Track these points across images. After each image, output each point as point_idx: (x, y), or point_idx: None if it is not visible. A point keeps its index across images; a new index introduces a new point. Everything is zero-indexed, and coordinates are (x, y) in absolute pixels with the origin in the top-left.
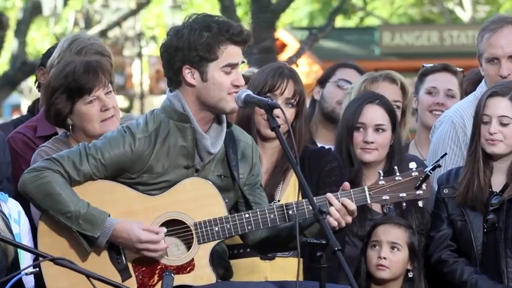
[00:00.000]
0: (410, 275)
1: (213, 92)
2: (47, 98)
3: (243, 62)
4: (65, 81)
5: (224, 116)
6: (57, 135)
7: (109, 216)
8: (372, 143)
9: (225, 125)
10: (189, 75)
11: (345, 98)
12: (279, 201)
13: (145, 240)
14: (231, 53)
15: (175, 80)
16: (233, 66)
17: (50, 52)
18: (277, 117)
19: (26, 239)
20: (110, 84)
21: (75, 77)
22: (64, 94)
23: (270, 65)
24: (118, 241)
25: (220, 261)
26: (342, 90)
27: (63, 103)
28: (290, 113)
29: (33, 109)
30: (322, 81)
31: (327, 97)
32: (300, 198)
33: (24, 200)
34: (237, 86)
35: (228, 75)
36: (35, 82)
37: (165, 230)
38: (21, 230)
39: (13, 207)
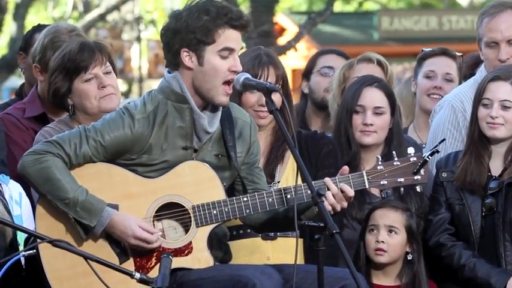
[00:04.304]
0: (409, 257)
1: (209, 77)
2: (48, 79)
3: (241, 48)
4: (62, 61)
5: None
6: (61, 118)
7: (107, 205)
8: (371, 125)
9: None
10: (187, 58)
11: (330, 85)
12: (278, 182)
13: (139, 238)
14: (229, 37)
15: (173, 62)
16: (230, 50)
17: (28, 37)
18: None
19: (27, 221)
20: (109, 65)
21: (71, 56)
22: (62, 74)
23: (246, 52)
24: (112, 231)
25: (220, 244)
26: (327, 77)
27: (61, 82)
28: (277, 97)
29: (20, 93)
30: (306, 74)
31: (314, 88)
32: (300, 181)
33: (23, 182)
34: (234, 72)
35: (225, 59)
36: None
37: (160, 232)
38: (23, 211)
39: (14, 189)
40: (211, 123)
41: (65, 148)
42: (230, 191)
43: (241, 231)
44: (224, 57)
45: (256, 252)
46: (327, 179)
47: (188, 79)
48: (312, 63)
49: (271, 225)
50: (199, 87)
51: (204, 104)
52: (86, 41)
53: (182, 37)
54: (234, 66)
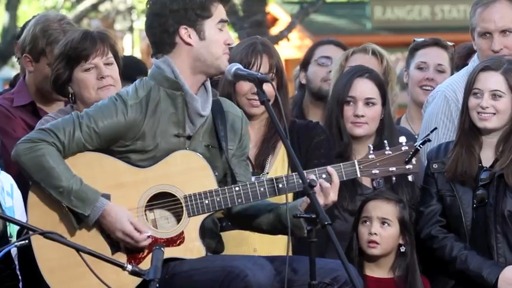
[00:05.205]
0: (402, 249)
1: (212, 49)
2: (51, 66)
3: (227, 21)
4: (64, 49)
5: (209, 84)
6: (62, 107)
7: (101, 195)
8: (362, 116)
9: (210, 90)
10: (186, 35)
11: (331, 75)
12: (267, 173)
13: (127, 233)
14: (221, 10)
15: (168, 44)
16: (224, 23)
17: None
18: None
19: (19, 212)
20: (111, 56)
21: (73, 44)
22: (63, 61)
23: (242, 41)
24: (103, 222)
25: (212, 234)
26: (324, 67)
27: (62, 69)
28: (269, 87)
29: (14, 83)
30: (304, 65)
31: (311, 78)
32: (290, 171)
33: (15, 171)
34: (229, 45)
35: (221, 32)
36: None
37: (149, 233)
38: (15, 202)
39: (6, 180)
40: (204, 106)
41: (59, 136)
42: (221, 185)
43: (229, 223)
44: (221, 29)
45: (243, 243)
46: (331, 169)
47: (186, 58)
48: (310, 53)
49: (253, 222)
50: (204, 62)
51: (198, 87)
52: (89, 31)
53: (180, 15)
54: (229, 39)
